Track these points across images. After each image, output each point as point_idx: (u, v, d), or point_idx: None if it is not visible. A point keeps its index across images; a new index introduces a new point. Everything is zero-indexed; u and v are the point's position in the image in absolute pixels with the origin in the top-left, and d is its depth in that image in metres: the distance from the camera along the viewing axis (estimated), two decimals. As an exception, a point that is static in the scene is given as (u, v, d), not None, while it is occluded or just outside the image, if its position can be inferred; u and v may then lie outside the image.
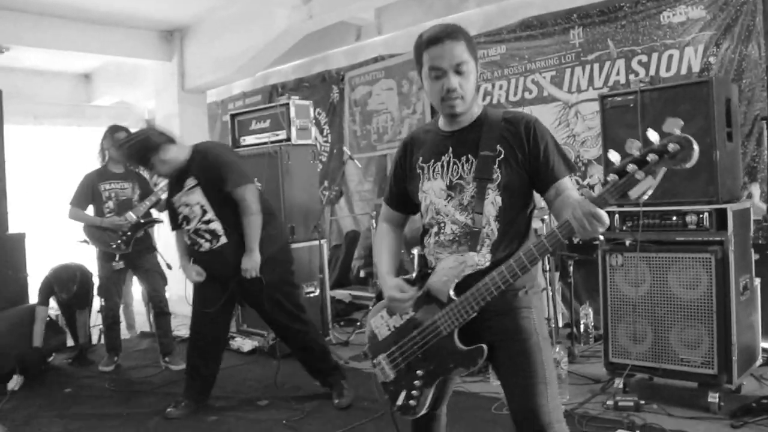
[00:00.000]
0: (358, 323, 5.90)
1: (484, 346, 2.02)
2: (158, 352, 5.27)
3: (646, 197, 1.69)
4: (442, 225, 2.12)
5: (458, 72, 2.01)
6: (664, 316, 3.67)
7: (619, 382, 3.82)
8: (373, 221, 6.02)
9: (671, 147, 1.63)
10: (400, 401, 2.19)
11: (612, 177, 1.70)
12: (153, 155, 3.83)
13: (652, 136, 1.67)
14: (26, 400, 4.47)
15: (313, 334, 4.22)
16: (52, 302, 5.38)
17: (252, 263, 3.88)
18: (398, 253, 2.37)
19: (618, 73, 5.66)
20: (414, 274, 2.25)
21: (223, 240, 3.88)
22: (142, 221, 5.04)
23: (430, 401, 2.16)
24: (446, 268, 2.07)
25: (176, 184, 3.97)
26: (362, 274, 7.42)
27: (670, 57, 5.33)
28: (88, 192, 5.05)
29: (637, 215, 3.74)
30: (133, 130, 4.94)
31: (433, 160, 2.15)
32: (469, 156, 2.08)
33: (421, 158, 2.19)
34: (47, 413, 4.22)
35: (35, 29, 7.13)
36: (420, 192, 2.19)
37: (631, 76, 5.52)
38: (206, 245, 3.90)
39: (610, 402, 3.69)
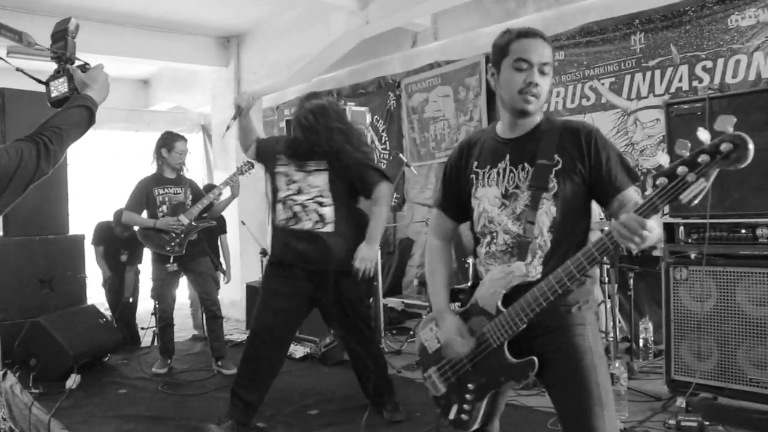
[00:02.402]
0: (411, 332, 5.84)
1: (535, 358, 1.95)
2: (210, 356, 5.30)
3: (697, 201, 1.58)
4: (495, 235, 2.06)
5: (542, 72, 1.96)
6: (731, 333, 3.51)
7: (681, 401, 3.67)
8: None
9: (724, 147, 1.51)
10: (452, 415, 2.15)
11: (661, 180, 1.60)
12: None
13: (703, 135, 1.55)
14: (83, 399, 4.55)
15: (379, 347, 4.09)
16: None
17: (371, 254, 3.67)
18: (452, 277, 2.30)
19: (681, 80, 5.47)
20: (467, 284, 2.20)
21: (330, 228, 3.63)
22: (194, 224, 5.09)
23: (482, 415, 2.10)
24: (493, 279, 2.02)
25: (296, 154, 3.71)
26: (415, 282, 7.36)
27: (737, 62, 5.12)
28: (143, 197, 5.13)
29: (703, 227, 3.59)
30: (188, 135, 5.07)
31: (489, 167, 2.09)
32: (526, 164, 2.01)
33: (476, 163, 2.13)
34: (102, 413, 4.28)
35: (99, 36, 7.31)
36: (473, 198, 2.13)
37: (695, 83, 5.34)
38: (308, 224, 3.63)
39: (672, 421, 3.53)
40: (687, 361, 3.67)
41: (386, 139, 8.29)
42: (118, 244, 6.14)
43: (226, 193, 5.37)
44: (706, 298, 3.58)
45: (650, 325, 4.95)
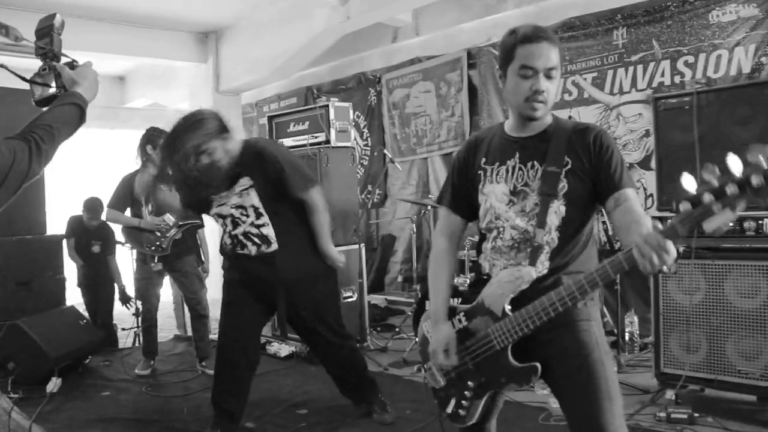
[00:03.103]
0: (397, 329, 5.81)
1: (538, 365, 1.94)
2: (194, 356, 5.23)
3: (722, 231, 1.51)
4: (501, 230, 2.05)
5: (548, 76, 1.94)
6: (720, 325, 3.53)
7: (671, 394, 3.69)
8: (413, 226, 5.91)
9: (755, 181, 1.42)
10: (449, 409, 2.14)
11: (685, 206, 1.54)
12: (219, 140, 3.35)
13: (733, 163, 1.45)
14: (65, 403, 4.45)
15: (354, 349, 3.96)
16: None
17: (334, 252, 3.68)
18: (453, 280, 2.27)
19: (663, 75, 5.51)
20: (468, 280, 2.18)
21: (275, 246, 3.53)
22: (180, 223, 5.01)
23: (480, 413, 2.09)
24: (502, 282, 2.00)
25: (223, 181, 3.51)
26: (399, 279, 7.34)
27: (719, 57, 5.17)
28: (127, 194, 5.03)
29: (692, 221, 3.61)
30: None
31: (497, 163, 2.07)
32: (536, 163, 2.01)
33: (484, 159, 2.11)
34: (86, 416, 4.19)
35: (73, 32, 7.13)
36: (480, 194, 2.11)
37: (677, 78, 5.38)
38: (254, 249, 3.54)
39: (662, 414, 3.55)
40: (676, 354, 3.70)
41: (367, 135, 8.26)
42: (88, 235, 6.05)
43: None
44: (694, 291, 3.61)
45: (635, 319, 4.98)
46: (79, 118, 1.99)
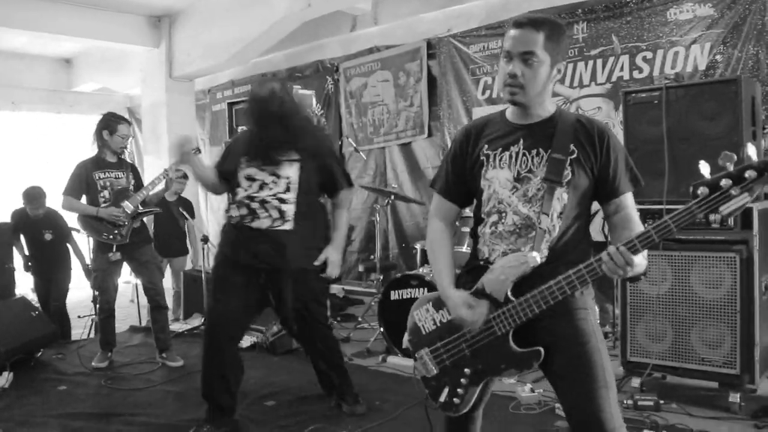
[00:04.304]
0: (359, 318, 5.79)
1: (541, 349, 1.96)
2: (153, 347, 5.10)
3: (736, 215, 1.70)
4: (504, 215, 2.06)
5: (525, 61, 1.95)
6: (685, 315, 3.64)
7: (636, 381, 3.79)
8: (377, 215, 5.88)
9: None
10: (442, 398, 2.14)
11: (703, 190, 1.66)
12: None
13: (751, 151, 1.64)
14: (19, 399, 4.28)
15: (335, 339, 3.93)
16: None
17: (339, 259, 3.67)
18: (454, 259, 2.25)
19: (622, 69, 5.63)
20: (463, 270, 2.18)
21: (288, 225, 3.44)
22: (139, 211, 4.87)
23: (474, 400, 2.10)
24: (506, 267, 1.99)
25: (261, 152, 3.48)
26: (361, 268, 7.30)
27: (676, 54, 5.31)
28: (83, 181, 4.83)
29: (659, 213, 3.70)
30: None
31: (501, 149, 2.08)
32: (540, 150, 2.02)
33: (486, 145, 2.11)
34: (43, 413, 4.03)
35: (16, 9, 6.87)
36: (482, 179, 2.11)
37: (635, 73, 5.50)
38: (266, 222, 3.43)
39: (629, 401, 3.64)
40: (642, 343, 3.79)
41: (324, 123, 8.19)
42: (35, 225, 5.84)
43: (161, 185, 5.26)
44: (661, 282, 3.70)
45: (596, 308, 5.07)
46: None
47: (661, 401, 3.62)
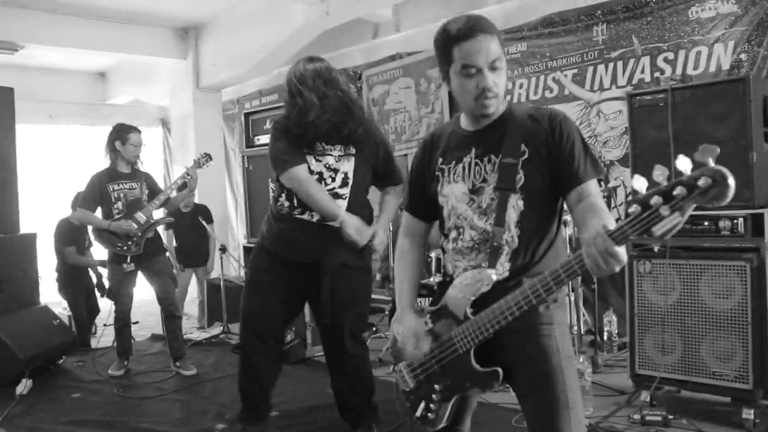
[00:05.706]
0: (374, 328, 5.74)
1: (500, 370, 1.87)
2: (169, 356, 5.15)
3: (671, 235, 1.43)
4: (461, 230, 1.98)
5: (492, 68, 1.84)
6: (694, 326, 3.49)
7: (646, 395, 3.65)
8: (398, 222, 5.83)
9: (702, 182, 1.35)
10: (419, 412, 2.08)
11: (634, 209, 1.46)
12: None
13: (683, 164, 1.38)
14: (34, 406, 4.36)
15: (365, 359, 3.63)
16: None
17: (385, 239, 3.48)
18: (419, 278, 2.21)
19: (643, 71, 5.46)
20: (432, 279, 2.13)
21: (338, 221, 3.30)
22: (152, 221, 4.93)
23: (448, 416, 2.02)
24: (463, 284, 1.93)
25: (319, 137, 3.29)
26: (378, 277, 7.26)
27: (698, 54, 5.12)
28: (97, 193, 4.92)
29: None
30: (147, 129, 4.97)
31: (454, 162, 2.00)
32: (492, 156, 1.92)
33: (441, 159, 2.03)
34: (54, 419, 4.10)
35: (50, 27, 7.09)
36: (440, 196, 2.03)
37: (657, 74, 5.33)
38: (317, 215, 3.30)
39: (636, 416, 3.50)
40: (651, 355, 3.65)
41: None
42: (86, 235, 5.99)
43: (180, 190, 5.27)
44: (669, 292, 3.56)
45: (614, 318, 4.93)
46: None
47: (671, 416, 3.46)
